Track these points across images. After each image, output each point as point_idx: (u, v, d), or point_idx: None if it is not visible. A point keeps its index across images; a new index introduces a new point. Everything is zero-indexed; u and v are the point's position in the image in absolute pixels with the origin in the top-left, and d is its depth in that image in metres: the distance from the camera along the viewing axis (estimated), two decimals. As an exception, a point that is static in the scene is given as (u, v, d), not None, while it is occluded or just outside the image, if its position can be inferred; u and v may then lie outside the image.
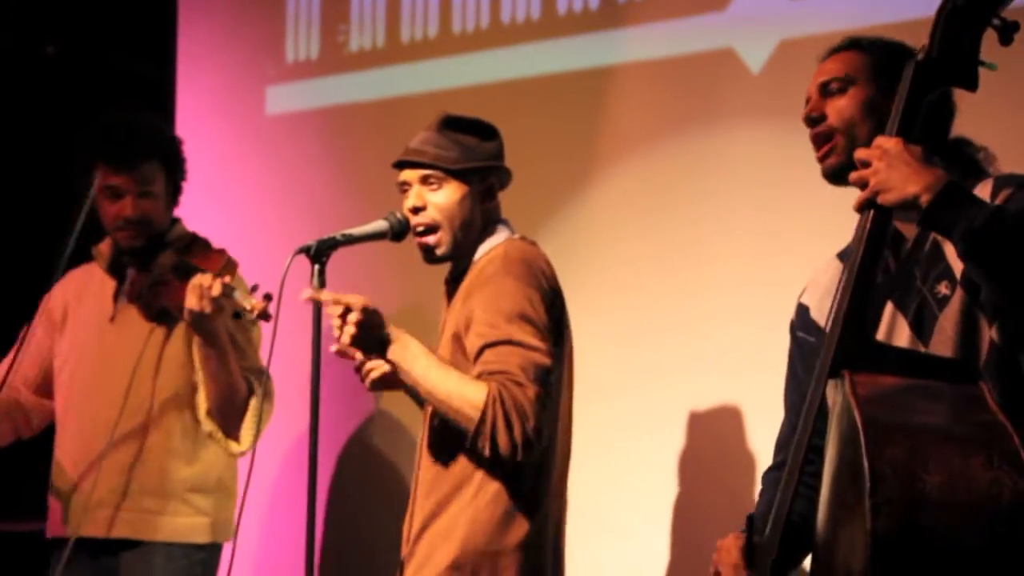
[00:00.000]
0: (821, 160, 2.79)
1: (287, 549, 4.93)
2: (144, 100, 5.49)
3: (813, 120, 2.80)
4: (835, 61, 2.83)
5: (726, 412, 4.17)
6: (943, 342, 2.61)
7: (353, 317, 3.17)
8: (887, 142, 2.49)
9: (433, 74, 4.86)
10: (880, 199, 2.49)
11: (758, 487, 4.04)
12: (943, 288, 2.64)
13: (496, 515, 3.27)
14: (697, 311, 4.21)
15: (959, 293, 2.62)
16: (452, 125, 3.40)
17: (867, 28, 3.91)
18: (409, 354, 3.22)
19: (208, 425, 4.02)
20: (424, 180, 3.37)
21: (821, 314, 2.84)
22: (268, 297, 3.71)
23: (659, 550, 4.26)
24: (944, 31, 2.50)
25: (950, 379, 2.46)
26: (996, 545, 2.27)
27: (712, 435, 4.20)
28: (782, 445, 2.93)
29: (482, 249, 3.40)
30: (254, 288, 3.77)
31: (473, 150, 3.39)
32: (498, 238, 3.41)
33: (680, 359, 4.22)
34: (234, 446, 4.04)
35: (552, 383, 3.24)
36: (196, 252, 4.07)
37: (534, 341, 3.22)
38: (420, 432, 3.44)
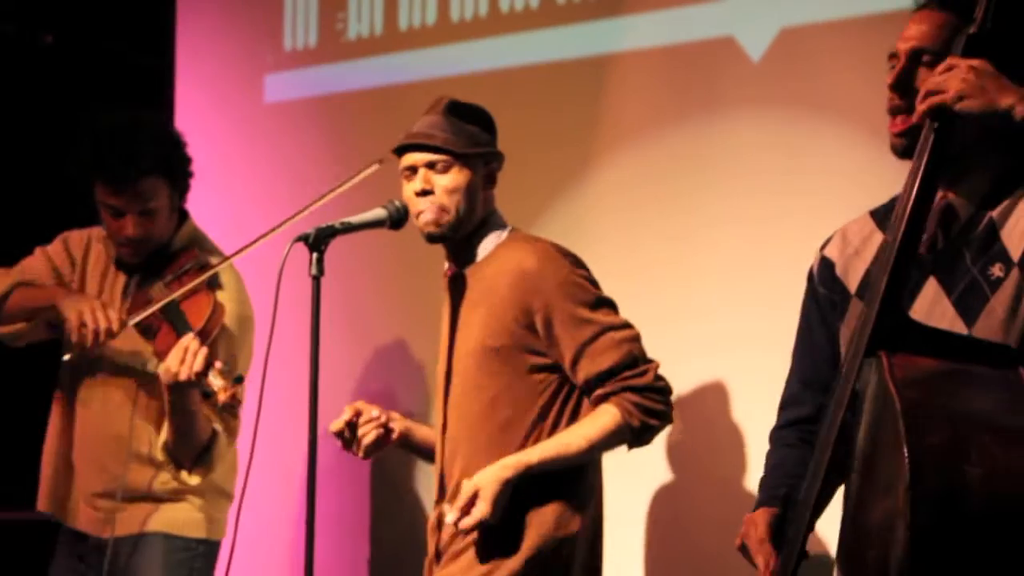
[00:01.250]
0: (900, 134, 2.63)
1: (285, 548, 4.92)
2: (142, 89, 5.48)
3: (901, 87, 2.63)
4: (932, 25, 2.65)
5: (727, 398, 4.16)
6: (992, 325, 2.53)
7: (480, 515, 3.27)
8: (972, 60, 2.40)
9: (431, 62, 4.85)
10: (961, 105, 2.39)
11: (752, 473, 4.06)
12: (996, 270, 2.56)
13: (566, 503, 3.33)
14: (696, 298, 4.20)
15: (1015, 274, 2.54)
16: (456, 111, 3.41)
17: (869, 16, 3.92)
18: (536, 465, 3.28)
19: (160, 455, 4.00)
20: (430, 164, 3.38)
21: (848, 275, 2.76)
22: (239, 380, 3.72)
23: (651, 535, 4.26)
24: (998, 4, 2.43)
25: (992, 364, 2.39)
26: None
27: (715, 422, 4.19)
28: (788, 403, 2.85)
29: (487, 246, 3.41)
30: (229, 369, 3.76)
31: (477, 136, 3.40)
32: (501, 234, 3.43)
33: (680, 346, 4.20)
34: (184, 476, 4.02)
35: None
36: (187, 284, 3.88)
37: (619, 319, 3.38)
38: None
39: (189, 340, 3.76)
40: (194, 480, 4.01)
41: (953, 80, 2.41)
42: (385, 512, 4.84)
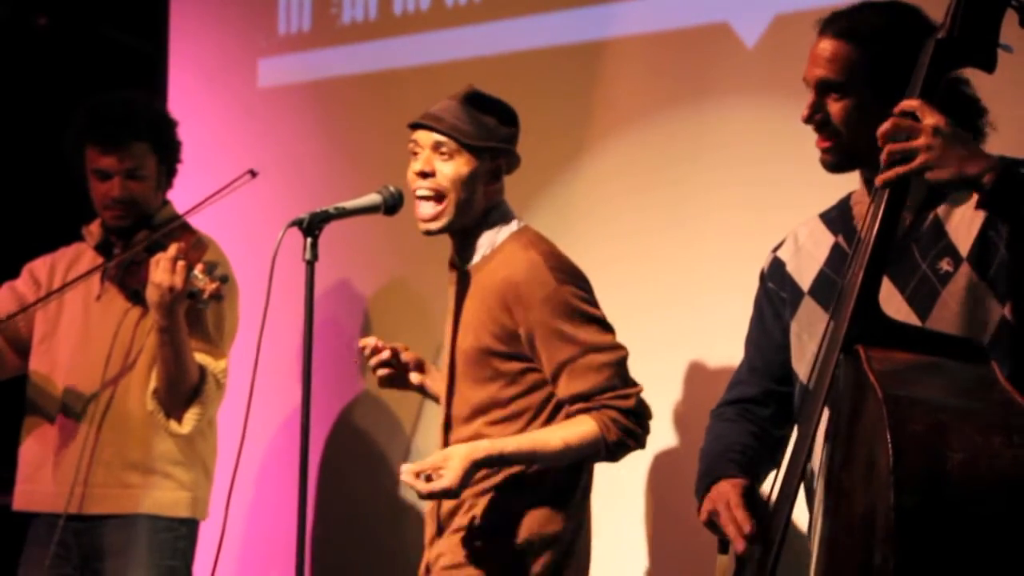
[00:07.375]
0: (824, 151, 2.76)
1: (275, 527, 4.93)
2: (136, 73, 5.48)
3: (818, 123, 2.76)
4: (833, 55, 2.74)
5: (720, 387, 4.16)
6: (946, 317, 2.63)
7: (442, 486, 3.22)
8: (933, 117, 2.42)
9: (425, 47, 4.85)
10: (932, 175, 2.42)
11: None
12: (945, 264, 2.66)
13: (559, 502, 3.34)
14: (690, 286, 4.20)
15: (965, 269, 2.64)
16: (475, 101, 3.40)
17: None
18: (509, 455, 3.27)
19: (150, 404, 4.05)
20: (436, 147, 3.37)
21: (801, 275, 2.86)
22: (224, 279, 3.75)
23: (654, 522, 4.26)
24: (966, 10, 2.48)
25: (960, 357, 2.47)
26: (1022, 522, 2.30)
27: (704, 410, 4.19)
28: (735, 384, 3.00)
29: (494, 238, 3.40)
30: (213, 267, 3.80)
31: (490, 130, 3.40)
32: (509, 228, 3.42)
33: (673, 334, 4.22)
34: (174, 426, 4.06)
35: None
36: (171, 233, 4.08)
37: (607, 338, 3.32)
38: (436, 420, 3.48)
39: (167, 253, 3.82)
40: (185, 428, 4.04)
41: (919, 145, 2.41)
42: (380, 501, 4.85)
